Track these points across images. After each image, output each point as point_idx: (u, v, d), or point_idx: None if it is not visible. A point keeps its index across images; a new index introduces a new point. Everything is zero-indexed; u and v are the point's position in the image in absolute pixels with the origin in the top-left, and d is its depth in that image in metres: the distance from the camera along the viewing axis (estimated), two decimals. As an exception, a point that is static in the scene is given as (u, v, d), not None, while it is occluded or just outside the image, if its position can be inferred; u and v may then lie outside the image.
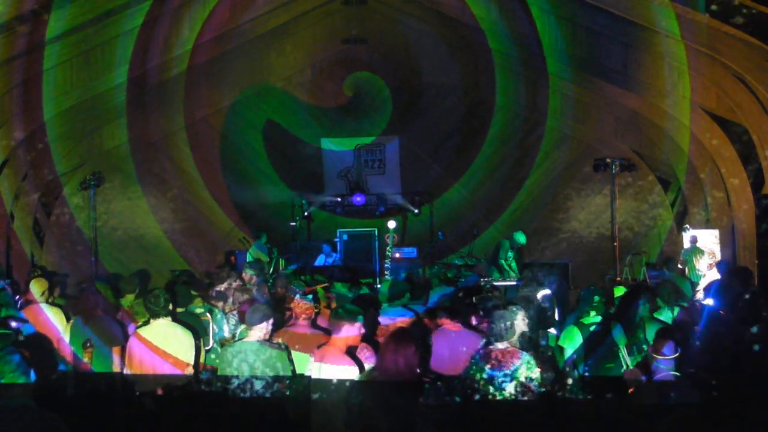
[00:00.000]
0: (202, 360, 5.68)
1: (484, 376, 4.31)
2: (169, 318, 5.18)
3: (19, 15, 8.88)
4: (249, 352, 4.82)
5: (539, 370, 4.35)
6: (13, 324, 5.46)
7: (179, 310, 6.14)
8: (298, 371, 4.99)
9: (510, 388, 4.22)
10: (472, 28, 13.16)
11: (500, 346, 4.45)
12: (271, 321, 4.97)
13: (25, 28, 9.29)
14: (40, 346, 4.08)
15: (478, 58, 14.99)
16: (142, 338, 5.08)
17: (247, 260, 12.90)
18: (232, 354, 4.88)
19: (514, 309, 4.61)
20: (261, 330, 4.90)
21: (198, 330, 5.57)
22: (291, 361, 4.94)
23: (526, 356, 4.38)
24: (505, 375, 4.32)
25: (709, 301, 5.85)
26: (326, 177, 15.98)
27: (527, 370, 4.31)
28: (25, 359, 3.83)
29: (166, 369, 4.99)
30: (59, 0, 9.03)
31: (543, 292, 7.70)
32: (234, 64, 14.31)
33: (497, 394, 4.22)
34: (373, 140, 15.94)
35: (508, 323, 4.48)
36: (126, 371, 5.03)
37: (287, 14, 13.57)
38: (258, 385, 4.27)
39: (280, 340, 5.17)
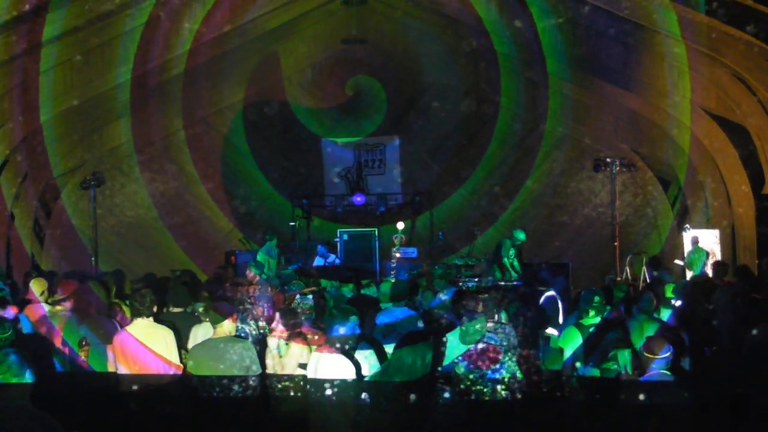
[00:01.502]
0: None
1: (470, 375, 4.37)
2: (151, 318, 5.21)
3: (19, 15, 8.88)
4: (217, 347, 4.89)
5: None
6: (10, 312, 5.48)
7: (176, 309, 6.14)
8: (297, 365, 5.01)
9: (497, 387, 4.27)
10: (472, 28, 13.15)
11: (479, 345, 4.54)
12: (235, 316, 5.07)
13: (24, 28, 9.29)
14: (37, 347, 4.09)
15: (478, 58, 14.98)
16: (132, 335, 5.12)
17: (259, 259, 12.75)
18: (201, 351, 4.95)
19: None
20: (227, 325, 4.97)
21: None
22: (257, 353, 5.01)
23: (506, 355, 4.42)
24: (493, 371, 4.39)
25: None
26: (326, 177, 15.98)
27: (509, 369, 4.36)
28: (22, 359, 3.82)
29: (156, 365, 5.02)
30: (59, 0, 9.03)
31: (548, 294, 7.70)
32: (234, 64, 14.31)
33: (487, 392, 4.26)
34: (373, 140, 15.93)
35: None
36: (119, 368, 5.04)
37: (287, 14, 13.56)
38: (253, 384, 4.30)
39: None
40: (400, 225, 14.62)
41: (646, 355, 4.37)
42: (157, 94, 13.95)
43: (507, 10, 11.97)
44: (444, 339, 5.20)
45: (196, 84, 14.23)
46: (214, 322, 4.97)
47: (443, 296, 6.24)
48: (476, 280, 11.43)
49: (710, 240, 12.34)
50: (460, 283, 10.47)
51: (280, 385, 4.45)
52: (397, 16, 14.52)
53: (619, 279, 12.06)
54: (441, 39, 14.71)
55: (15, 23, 9.06)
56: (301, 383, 4.44)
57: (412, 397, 4.04)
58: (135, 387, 4.47)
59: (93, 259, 12.51)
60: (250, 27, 13.02)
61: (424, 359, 4.58)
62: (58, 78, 11.16)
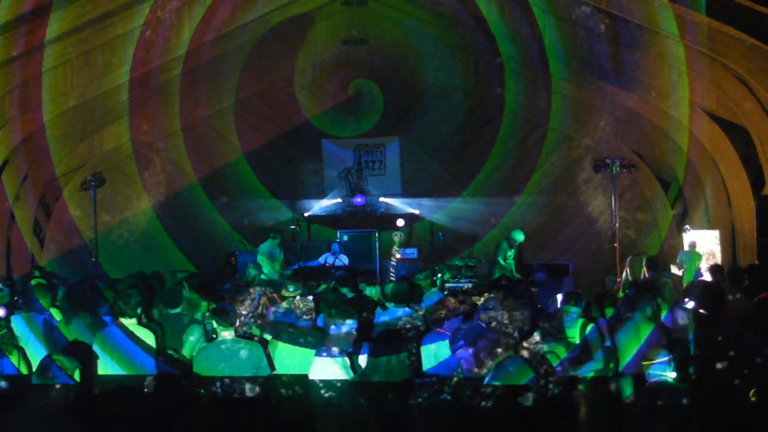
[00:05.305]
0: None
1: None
2: (135, 320, 5.21)
3: (20, 15, 8.89)
4: (224, 349, 4.88)
5: None
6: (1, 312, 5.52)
7: (170, 311, 6.13)
8: (297, 365, 5.02)
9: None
10: (472, 29, 13.15)
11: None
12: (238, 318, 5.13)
13: (25, 29, 9.30)
14: (82, 354, 4.13)
15: (479, 59, 14.99)
16: (122, 325, 5.14)
17: (258, 261, 12.66)
18: (208, 353, 4.94)
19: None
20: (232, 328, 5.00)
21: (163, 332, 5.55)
22: (267, 354, 5.00)
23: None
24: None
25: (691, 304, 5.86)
26: (326, 178, 15.98)
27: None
28: (60, 364, 3.86)
29: (140, 357, 5.04)
30: (59, 0, 9.04)
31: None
32: (234, 65, 14.31)
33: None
34: (373, 141, 15.94)
35: None
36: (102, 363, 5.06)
37: (287, 15, 13.56)
38: (249, 384, 4.30)
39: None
40: (400, 222, 14.61)
41: (643, 362, 4.34)
42: (157, 95, 13.96)
43: (508, 10, 11.98)
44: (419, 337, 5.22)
45: (195, 84, 14.24)
46: (222, 327, 4.96)
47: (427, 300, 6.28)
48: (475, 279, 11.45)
49: (710, 241, 12.33)
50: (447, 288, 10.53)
51: (284, 387, 4.47)
52: (398, 16, 14.54)
53: (619, 280, 12.08)
54: (441, 40, 14.73)
55: (16, 23, 9.07)
56: (303, 384, 4.45)
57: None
58: (137, 387, 4.48)
59: (93, 259, 12.51)
60: (251, 27, 13.03)
61: (399, 356, 4.59)
62: (58, 78, 11.17)
